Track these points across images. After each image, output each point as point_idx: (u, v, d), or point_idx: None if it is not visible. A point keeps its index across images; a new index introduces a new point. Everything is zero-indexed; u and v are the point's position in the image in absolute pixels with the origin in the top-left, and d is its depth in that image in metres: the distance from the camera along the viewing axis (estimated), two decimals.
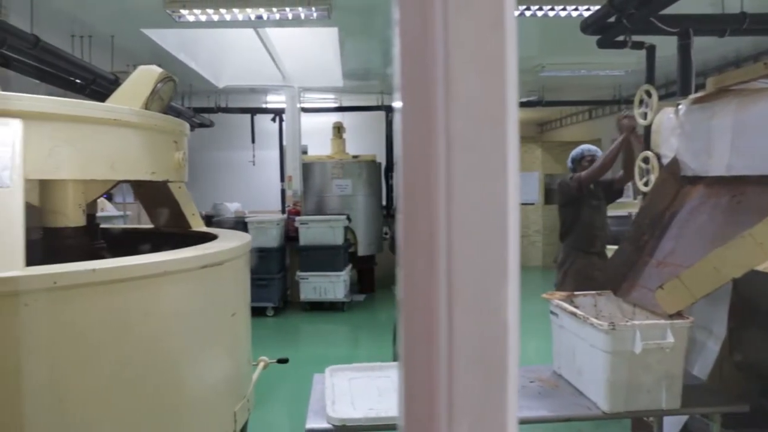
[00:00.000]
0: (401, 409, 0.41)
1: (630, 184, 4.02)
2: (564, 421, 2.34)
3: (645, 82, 3.41)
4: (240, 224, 7.32)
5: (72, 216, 2.14)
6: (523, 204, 10.66)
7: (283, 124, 9.26)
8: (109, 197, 8.89)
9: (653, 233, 2.75)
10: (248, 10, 5.09)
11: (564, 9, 5.04)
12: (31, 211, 1.75)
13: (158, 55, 6.64)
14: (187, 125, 2.59)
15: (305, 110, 9.33)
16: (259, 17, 5.28)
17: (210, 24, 5.50)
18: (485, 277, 0.36)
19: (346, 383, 2.43)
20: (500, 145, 0.35)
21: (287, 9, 5.06)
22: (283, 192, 9.21)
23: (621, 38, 3.73)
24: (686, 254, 2.44)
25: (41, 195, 2.11)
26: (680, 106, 2.87)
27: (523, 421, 2.08)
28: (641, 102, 3.11)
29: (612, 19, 3.71)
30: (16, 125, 1.70)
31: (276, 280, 7.30)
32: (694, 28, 3.51)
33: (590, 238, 3.91)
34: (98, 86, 5.89)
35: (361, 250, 8.37)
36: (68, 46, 5.78)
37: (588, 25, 3.93)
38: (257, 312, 6.83)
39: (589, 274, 3.79)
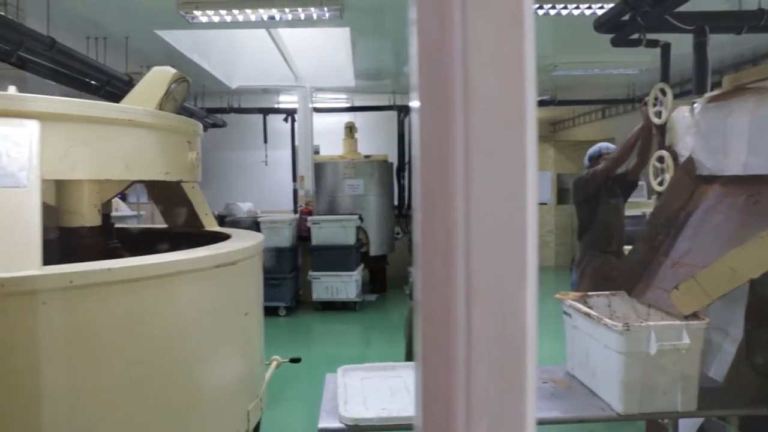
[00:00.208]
0: (419, 409, 0.41)
1: (645, 184, 3.98)
2: (577, 423, 2.32)
3: (660, 80, 3.38)
4: (252, 224, 7.35)
5: (88, 216, 2.16)
6: None
7: (296, 124, 9.29)
8: (123, 197, 8.97)
9: (668, 233, 2.72)
10: (261, 11, 5.11)
11: (577, 7, 5.00)
12: (47, 211, 1.77)
13: (172, 56, 6.69)
14: (201, 125, 2.61)
15: (317, 110, 9.36)
16: (272, 18, 5.30)
17: (223, 25, 5.53)
18: (504, 278, 0.36)
19: (358, 383, 2.43)
20: (519, 146, 0.35)
21: (299, 9, 5.08)
22: (295, 192, 9.24)
23: (635, 36, 3.70)
24: (702, 254, 2.41)
25: (57, 195, 2.14)
26: (696, 105, 2.83)
27: (536, 422, 2.06)
28: (656, 101, 3.07)
29: (626, 17, 3.68)
30: (33, 126, 1.72)
31: (288, 279, 7.32)
32: (710, 26, 3.47)
33: (607, 237, 3.87)
34: (112, 87, 5.95)
35: (373, 250, 8.38)
36: (83, 47, 5.84)
37: (601, 24, 3.91)
38: (269, 312, 6.84)
39: (607, 273, 3.75)
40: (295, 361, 2.89)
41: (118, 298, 1.65)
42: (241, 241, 2.27)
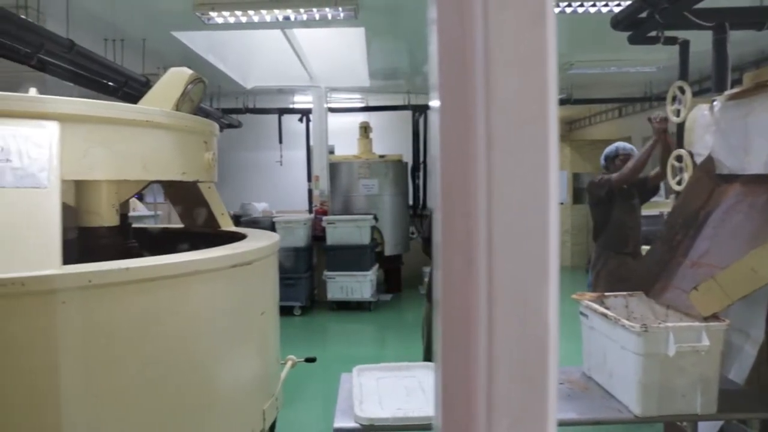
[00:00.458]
0: (438, 409, 0.41)
1: (663, 183, 3.93)
2: (594, 424, 2.30)
3: (678, 78, 3.34)
4: (270, 224, 7.39)
5: (106, 216, 2.19)
6: None
7: (310, 124, 9.32)
8: (140, 197, 9.06)
9: (687, 233, 2.68)
10: (276, 12, 5.14)
11: (594, 5, 4.96)
12: (66, 211, 1.79)
13: (188, 57, 6.75)
14: (217, 126, 2.62)
15: (332, 110, 9.38)
16: (287, 18, 5.32)
17: (238, 26, 5.56)
18: (526, 278, 0.36)
19: (373, 383, 2.43)
20: (541, 145, 0.35)
21: (314, 10, 5.09)
22: (310, 192, 9.27)
23: (653, 34, 3.65)
24: (722, 255, 2.37)
25: (77, 195, 2.16)
26: (715, 103, 2.79)
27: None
28: (674, 99, 3.04)
29: (644, 15, 3.64)
30: (53, 127, 1.74)
31: (303, 279, 7.35)
32: (730, 22, 3.41)
33: (623, 238, 3.83)
34: (130, 88, 6.01)
35: (388, 250, 8.38)
36: (101, 49, 5.91)
37: (619, 21, 3.86)
38: (284, 311, 6.86)
39: (623, 274, 3.71)
40: (311, 360, 2.90)
41: (136, 298, 1.67)
42: (257, 241, 2.29)
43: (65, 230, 1.66)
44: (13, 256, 1.50)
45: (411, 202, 9.46)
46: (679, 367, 2.09)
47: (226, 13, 5.18)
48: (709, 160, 2.75)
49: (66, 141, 1.76)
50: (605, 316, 2.33)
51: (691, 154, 2.93)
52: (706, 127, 2.82)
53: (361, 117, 9.51)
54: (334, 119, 9.42)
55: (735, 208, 2.52)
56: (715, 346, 2.09)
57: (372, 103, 10.08)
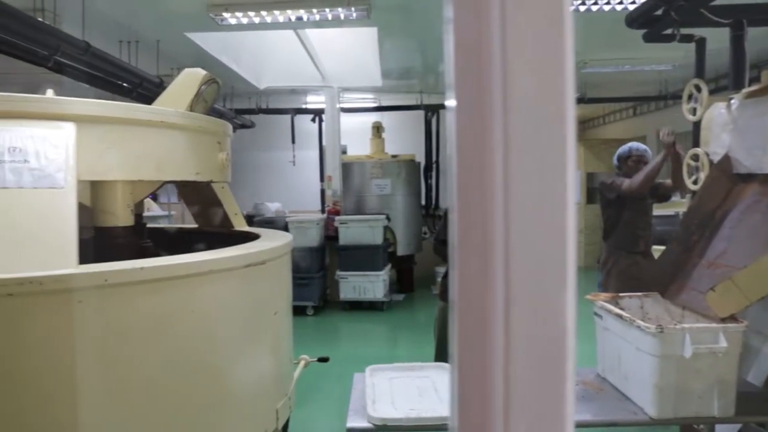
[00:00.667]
0: (454, 410, 0.41)
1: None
2: (608, 426, 2.28)
3: (694, 76, 3.30)
4: (285, 224, 7.42)
5: (121, 216, 2.21)
6: None
7: (323, 124, 9.34)
8: (155, 197, 9.14)
9: (703, 233, 2.65)
10: (288, 12, 5.15)
11: (608, 3, 4.92)
12: (82, 211, 1.81)
13: (201, 58, 6.79)
14: (230, 126, 2.64)
15: (344, 110, 9.39)
16: (299, 18, 5.34)
17: (251, 26, 5.59)
18: (543, 278, 0.35)
19: (386, 383, 2.43)
20: (560, 145, 0.34)
21: (327, 10, 5.10)
22: (322, 192, 9.29)
23: (669, 31, 3.61)
24: (739, 255, 2.34)
25: (92, 195, 2.18)
26: (732, 101, 2.76)
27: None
28: (690, 97, 3.00)
29: (659, 12, 3.60)
30: (69, 128, 1.76)
31: (316, 279, 7.36)
32: (747, 19, 3.37)
33: (634, 238, 3.81)
34: (144, 89, 6.07)
35: (401, 250, 8.37)
36: (116, 51, 5.97)
37: (633, 19, 3.83)
38: (297, 311, 6.88)
39: (634, 274, 3.70)
40: (323, 360, 2.90)
41: (150, 297, 1.68)
42: (271, 240, 2.29)
43: (81, 230, 1.68)
44: (31, 256, 1.52)
45: (423, 202, 9.45)
46: (696, 369, 2.07)
47: (239, 14, 5.20)
48: (726, 159, 2.71)
49: (82, 142, 1.78)
50: (620, 316, 2.31)
51: (707, 154, 2.89)
52: (723, 125, 2.79)
53: (374, 117, 9.52)
54: (346, 119, 9.43)
55: (753, 207, 2.49)
56: (732, 348, 2.06)
57: (384, 103, 10.08)
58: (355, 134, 9.90)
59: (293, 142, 10.02)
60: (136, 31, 6.02)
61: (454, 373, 0.39)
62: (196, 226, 3.15)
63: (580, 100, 9.15)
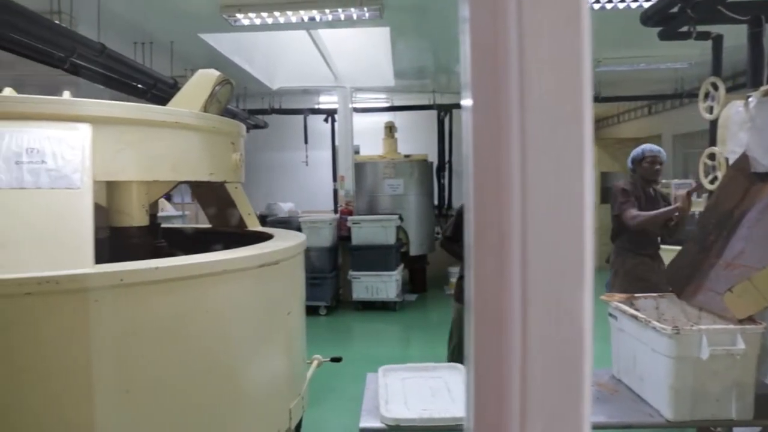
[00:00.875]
0: (470, 412, 0.40)
1: (693, 182, 3.88)
2: (624, 428, 2.26)
3: (711, 73, 3.25)
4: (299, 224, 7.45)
5: (136, 216, 2.22)
6: None
7: (336, 124, 9.36)
8: (169, 197, 9.21)
9: (720, 233, 2.62)
10: (301, 12, 5.17)
11: (622, 1, 4.88)
12: (98, 211, 1.83)
13: (215, 59, 6.84)
14: (244, 127, 2.65)
15: (357, 110, 9.40)
16: (312, 19, 5.35)
17: (264, 27, 5.61)
18: (561, 279, 0.35)
19: (399, 383, 2.43)
20: (577, 144, 0.34)
21: (339, 10, 5.11)
22: (335, 192, 9.31)
23: (685, 29, 3.57)
24: (758, 255, 2.31)
25: (108, 196, 2.20)
26: (750, 99, 2.72)
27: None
28: (707, 95, 2.96)
29: (675, 9, 3.56)
30: (85, 130, 1.78)
31: (328, 279, 7.38)
32: (766, 15, 3.32)
33: (643, 240, 3.79)
34: (158, 90, 6.12)
35: (413, 250, 8.36)
36: (131, 52, 6.03)
37: (649, 17, 3.79)
38: (310, 311, 6.91)
39: (641, 274, 3.69)
40: (336, 360, 2.91)
41: (165, 297, 1.69)
42: (284, 241, 2.30)
43: (97, 230, 1.69)
44: (48, 255, 1.54)
45: (436, 202, 9.43)
46: (713, 371, 2.04)
47: (252, 15, 5.23)
48: (744, 158, 2.67)
49: (98, 143, 1.79)
50: (635, 317, 2.29)
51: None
52: (741, 124, 2.75)
53: (386, 117, 9.52)
54: (359, 119, 9.44)
55: None
56: (751, 350, 2.03)
57: (397, 103, 10.08)
58: (367, 134, 9.91)
59: (306, 142, 10.05)
60: (150, 32, 6.07)
61: (470, 373, 0.39)
62: (209, 226, 3.17)
63: (595, 99, 9.07)
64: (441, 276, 8.84)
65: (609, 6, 4.96)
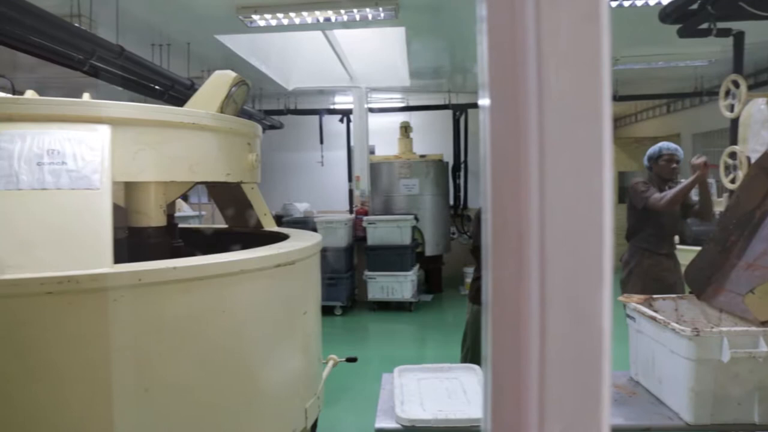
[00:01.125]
0: (487, 413, 0.40)
1: (714, 181, 3.82)
2: (643, 431, 2.23)
3: (732, 71, 3.20)
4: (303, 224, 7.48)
5: (154, 216, 2.25)
6: None
7: (351, 124, 9.38)
8: (185, 198, 9.29)
9: (741, 233, 2.57)
10: (317, 13, 5.19)
11: None
12: (117, 211, 1.85)
13: (231, 60, 6.89)
14: (260, 127, 2.66)
15: (372, 110, 9.41)
16: (327, 19, 5.37)
17: (280, 28, 5.64)
18: (580, 280, 0.35)
19: (414, 384, 2.43)
20: (596, 143, 0.34)
21: (355, 10, 5.12)
22: (350, 192, 9.33)
23: (705, 26, 3.52)
24: None
25: (126, 196, 2.23)
26: None
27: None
28: (727, 93, 2.92)
29: (695, 6, 3.51)
30: (105, 131, 1.80)
31: (344, 279, 7.39)
32: None
33: (659, 239, 3.74)
34: (175, 92, 6.18)
35: (429, 250, 8.35)
36: (148, 54, 6.10)
37: (667, 14, 3.74)
38: (326, 311, 6.92)
39: (657, 274, 3.65)
40: (352, 360, 2.91)
41: (183, 296, 1.71)
42: (300, 241, 2.31)
43: (115, 230, 1.71)
44: (69, 255, 1.56)
45: (451, 202, 9.41)
46: (734, 374, 2.01)
47: (268, 16, 5.26)
48: (766, 157, 2.63)
49: (117, 144, 1.81)
50: (653, 319, 2.26)
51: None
52: (763, 122, 2.71)
53: (402, 117, 9.52)
54: (374, 119, 9.45)
55: None
56: None
57: (412, 103, 10.07)
58: (383, 134, 9.92)
59: (321, 142, 10.09)
60: (167, 34, 6.14)
61: (488, 374, 0.39)
62: (226, 226, 3.19)
63: (612, 98, 8.95)
64: (456, 276, 8.82)
65: (627, 3, 4.90)
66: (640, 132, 11.36)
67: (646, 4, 4.88)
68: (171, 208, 2.59)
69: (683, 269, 2.95)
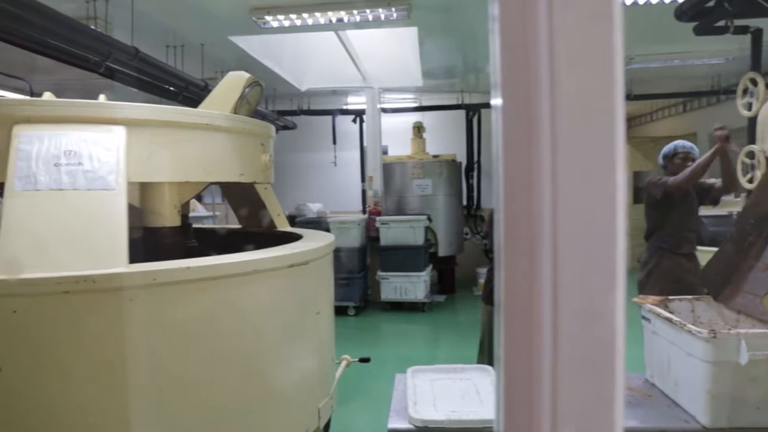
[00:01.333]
0: (500, 414, 0.40)
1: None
2: None
3: (750, 69, 3.16)
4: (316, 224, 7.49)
5: (169, 216, 2.26)
6: None
7: (364, 125, 9.39)
8: (199, 198, 9.37)
9: (760, 234, 2.54)
10: (329, 14, 5.20)
11: None
12: (132, 211, 1.86)
13: (244, 61, 6.93)
14: (273, 128, 2.67)
15: (385, 111, 9.41)
16: (340, 20, 5.38)
17: (293, 29, 5.67)
18: (593, 280, 0.34)
19: (427, 384, 2.42)
20: (608, 143, 0.33)
21: (367, 11, 5.13)
22: (363, 192, 9.34)
23: (722, 23, 3.47)
24: None
25: (141, 196, 2.25)
26: None
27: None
28: (745, 91, 2.88)
29: (711, 3, 3.46)
30: (120, 132, 1.82)
31: (357, 279, 7.40)
32: None
33: (678, 239, 3.68)
34: (189, 93, 6.23)
35: (442, 251, 8.34)
36: (163, 55, 6.15)
37: (683, 12, 3.70)
38: (339, 311, 6.96)
39: (677, 275, 3.59)
40: (365, 360, 2.91)
41: (197, 296, 1.72)
42: (313, 241, 2.31)
43: (131, 230, 1.73)
44: (85, 255, 1.58)
45: (465, 203, 9.38)
46: (752, 377, 1.98)
47: (280, 17, 5.28)
48: None
49: (132, 145, 1.83)
50: (669, 320, 2.23)
51: (763, 151, 2.77)
52: None
53: (415, 117, 9.51)
54: (387, 119, 9.46)
55: None
56: None
57: (425, 103, 10.06)
58: (396, 134, 9.92)
59: (334, 142, 10.11)
60: (181, 35, 6.19)
61: (500, 375, 0.39)
62: (239, 226, 3.21)
63: (627, 97, 8.91)
64: (470, 277, 8.79)
65: (642, 1, 4.86)
66: (655, 131, 11.25)
67: (662, 2, 4.83)
68: (185, 208, 2.60)
69: None
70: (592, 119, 0.35)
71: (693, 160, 3.65)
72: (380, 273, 7.51)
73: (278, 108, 9.67)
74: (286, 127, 9.86)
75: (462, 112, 9.67)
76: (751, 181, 2.84)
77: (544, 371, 0.37)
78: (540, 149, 0.34)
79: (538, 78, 0.34)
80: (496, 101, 0.36)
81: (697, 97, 9.31)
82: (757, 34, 3.56)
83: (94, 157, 1.73)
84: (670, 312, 2.36)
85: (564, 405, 0.37)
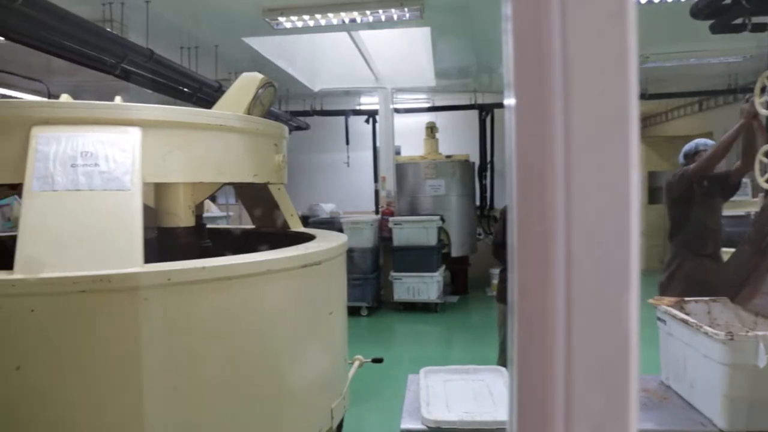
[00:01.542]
0: (513, 415, 0.40)
1: (749, 181, 3.67)
2: None
3: (767, 67, 3.11)
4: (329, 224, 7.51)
5: (183, 216, 2.28)
6: None
7: (377, 125, 9.40)
8: (213, 198, 9.43)
9: None
10: (342, 14, 5.21)
11: None
12: (147, 212, 1.88)
13: (258, 62, 6.97)
14: (286, 128, 2.68)
15: (398, 111, 9.41)
16: (353, 21, 5.39)
17: (306, 29, 5.69)
18: (607, 281, 0.34)
19: (440, 385, 2.42)
20: (623, 143, 0.33)
21: (380, 11, 5.13)
22: (376, 193, 9.35)
23: (739, 21, 3.43)
24: None
25: (156, 197, 2.27)
26: None
27: None
28: (763, 90, 2.84)
29: (728, 1, 3.42)
30: (135, 133, 1.84)
31: (370, 280, 7.41)
32: None
33: (702, 238, 3.61)
34: (203, 94, 6.27)
35: (455, 251, 8.32)
36: (177, 57, 6.21)
37: (700, 10, 3.66)
38: (352, 311, 6.95)
39: (700, 277, 3.51)
40: (378, 361, 2.91)
41: (211, 295, 1.73)
42: (326, 241, 2.32)
43: (146, 230, 1.75)
44: (101, 255, 1.60)
45: (478, 203, 9.35)
46: None
47: (293, 18, 5.31)
48: None
49: (147, 145, 1.85)
50: (685, 322, 2.21)
51: None
52: None
53: (427, 117, 9.50)
54: (400, 120, 9.45)
55: None
56: None
57: (438, 103, 10.04)
58: (408, 135, 9.91)
59: (347, 143, 10.13)
60: (195, 37, 6.23)
61: (513, 376, 0.39)
62: (253, 226, 3.22)
63: (641, 97, 8.82)
64: (483, 277, 8.76)
65: (657, 0, 4.81)
66: (671, 131, 11.13)
67: (677, 0, 4.78)
68: (199, 208, 2.62)
69: None
70: (605, 119, 0.35)
71: None
72: (393, 273, 7.51)
73: (291, 108, 9.71)
74: (299, 128, 9.90)
75: (475, 112, 9.64)
76: None
77: (558, 372, 0.36)
78: (553, 149, 0.34)
79: (551, 77, 0.34)
80: (510, 101, 0.36)
81: (713, 96, 9.19)
82: None
83: (110, 157, 1.75)
84: (686, 313, 2.33)
85: (577, 406, 0.37)
